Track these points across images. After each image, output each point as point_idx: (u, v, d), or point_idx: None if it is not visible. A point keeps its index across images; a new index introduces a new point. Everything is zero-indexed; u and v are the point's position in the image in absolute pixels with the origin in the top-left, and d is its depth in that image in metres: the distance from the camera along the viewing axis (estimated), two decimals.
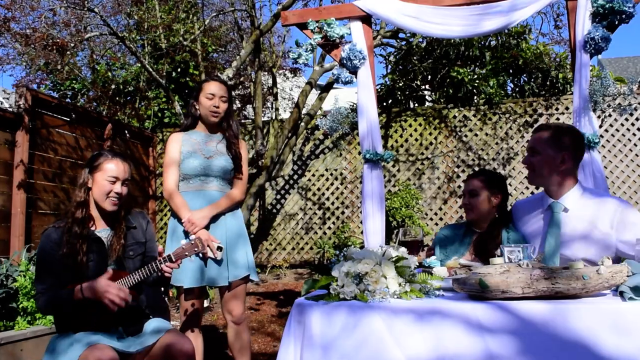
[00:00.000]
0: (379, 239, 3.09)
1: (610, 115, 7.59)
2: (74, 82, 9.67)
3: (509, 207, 2.89)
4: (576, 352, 1.67)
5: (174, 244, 2.98)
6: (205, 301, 4.57)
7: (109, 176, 2.61)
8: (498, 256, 2.64)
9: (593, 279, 1.79)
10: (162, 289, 3.03)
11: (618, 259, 2.28)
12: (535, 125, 7.30)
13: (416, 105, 9.13)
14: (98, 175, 2.62)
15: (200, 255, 2.76)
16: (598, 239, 2.42)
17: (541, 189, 2.66)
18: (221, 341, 5.00)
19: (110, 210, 2.63)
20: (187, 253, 2.60)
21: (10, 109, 5.98)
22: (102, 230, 2.66)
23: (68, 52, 8.01)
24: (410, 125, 8.26)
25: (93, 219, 2.65)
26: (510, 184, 7.72)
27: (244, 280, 3.15)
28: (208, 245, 2.95)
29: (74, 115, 6.65)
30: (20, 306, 4.05)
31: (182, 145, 3.17)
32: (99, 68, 9.59)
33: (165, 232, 8.62)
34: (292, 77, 11.87)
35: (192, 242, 2.62)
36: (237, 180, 3.25)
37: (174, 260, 2.58)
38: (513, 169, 7.84)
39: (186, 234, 3.03)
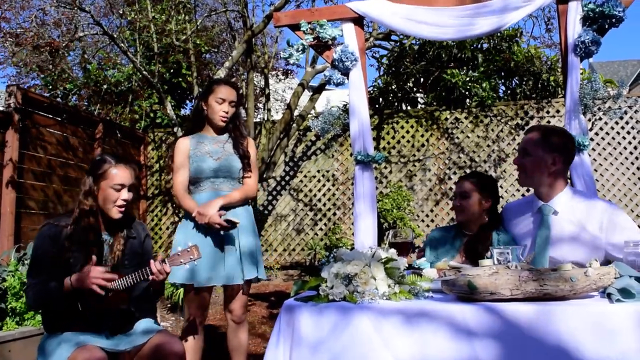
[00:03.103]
0: (370, 240, 3.09)
1: (600, 119, 7.64)
2: (65, 82, 9.61)
3: (500, 209, 2.90)
4: (562, 353, 1.68)
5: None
6: None
7: (115, 184, 2.57)
8: (487, 258, 2.66)
9: (581, 281, 1.80)
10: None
11: (607, 262, 2.29)
12: (527, 128, 7.36)
13: (408, 107, 9.15)
14: (103, 184, 2.57)
15: (191, 260, 2.71)
16: (588, 242, 2.43)
17: (532, 191, 2.67)
18: (212, 342, 4.98)
19: (116, 217, 2.60)
20: (182, 260, 2.56)
21: (0, 108, 5.93)
22: (102, 234, 2.64)
23: (60, 52, 7.95)
24: (402, 127, 8.26)
25: (100, 226, 2.62)
26: (501, 186, 7.75)
27: (251, 280, 3.18)
28: (226, 220, 2.98)
29: (65, 115, 6.61)
30: (9, 307, 4.02)
31: (191, 149, 3.17)
32: (90, 68, 9.53)
33: (156, 233, 8.62)
34: (285, 79, 11.86)
35: (188, 249, 2.58)
36: (248, 179, 3.24)
37: (167, 264, 2.56)
38: (504, 171, 7.87)
39: (200, 228, 3.04)
